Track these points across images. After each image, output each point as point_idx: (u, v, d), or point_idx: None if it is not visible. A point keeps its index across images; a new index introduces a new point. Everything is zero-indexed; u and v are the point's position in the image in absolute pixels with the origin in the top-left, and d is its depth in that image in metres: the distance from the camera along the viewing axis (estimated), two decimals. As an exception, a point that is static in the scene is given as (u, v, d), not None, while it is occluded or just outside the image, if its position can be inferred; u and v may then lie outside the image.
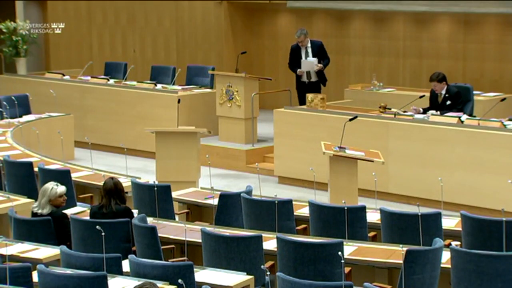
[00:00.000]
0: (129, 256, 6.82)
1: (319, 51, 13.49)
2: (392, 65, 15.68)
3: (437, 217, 8.00)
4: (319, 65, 13.31)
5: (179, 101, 11.90)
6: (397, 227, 8.04)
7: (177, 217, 9.21)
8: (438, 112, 11.53)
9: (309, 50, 13.47)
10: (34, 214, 8.11)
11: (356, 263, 7.33)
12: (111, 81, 15.21)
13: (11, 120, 13.34)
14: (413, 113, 11.59)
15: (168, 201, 9.08)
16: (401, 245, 6.94)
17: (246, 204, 8.69)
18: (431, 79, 11.78)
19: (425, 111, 11.69)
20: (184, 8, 17.51)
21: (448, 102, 11.66)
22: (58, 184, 8.15)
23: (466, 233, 7.89)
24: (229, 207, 8.82)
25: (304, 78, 13.42)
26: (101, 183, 9.38)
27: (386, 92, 13.80)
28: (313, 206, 8.40)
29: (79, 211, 8.98)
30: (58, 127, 13.17)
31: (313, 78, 13.44)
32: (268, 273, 6.64)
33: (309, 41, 13.52)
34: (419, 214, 7.76)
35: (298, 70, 13.43)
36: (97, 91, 14.98)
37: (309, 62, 13.32)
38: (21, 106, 14.03)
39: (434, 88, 11.76)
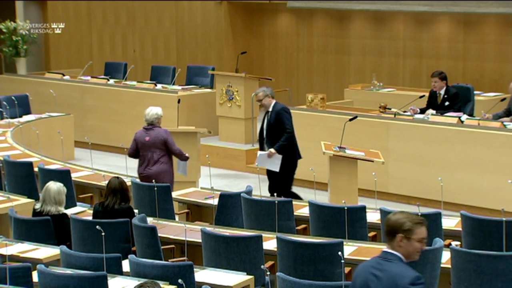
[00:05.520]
0: (129, 256, 6.82)
1: (278, 120, 10.33)
2: (392, 65, 15.68)
3: (437, 217, 8.00)
4: (272, 151, 10.23)
5: (179, 101, 11.90)
6: (397, 227, 8.03)
7: (177, 217, 9.21)
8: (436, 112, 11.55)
9: (270, 117, 10.40)
10: (36, 214, 8.10)
11: (356, 263, 7.32)
12: (111, 81, 15.21)
13: (11, 120, 13.34)
14: (411, 113, 11.59)
15: (168, 201, 9.08)
16: (401, 245, 6.94)
17: (246, 204, 8.69)
18: (432, 75, 11.75)
19: (422, 111, 11.69)
20: (184, 8, 17.51)
21: (447, 103, 11.66)
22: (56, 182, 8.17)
23: (466, 233, 7.89)
24: (229, 207, 8.82)
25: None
26: (101, 183, 9.41)
27: (386, 92, 13.80)
28: (313, 206, 8.40)
29: (79, 211, 8.98)
30: (58, 127, 13.17)
31: (272, 167, 10.33)
32: (268, 273, 6.65)
33: (274, 104, 10.42)
34: (419, 214, 7.75)
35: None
36: (97, 91, 14.98)
37: (262, 156, 10.36)
38: (21, 106, 14.04)
39: (433, 84, 11.72)
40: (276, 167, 10.17)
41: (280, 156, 10.23)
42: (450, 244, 7.77)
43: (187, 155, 10.28)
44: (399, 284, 4.45)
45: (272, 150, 10.23)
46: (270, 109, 10.40)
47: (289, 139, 10.27)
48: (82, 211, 9.00)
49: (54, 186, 8.05)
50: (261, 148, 10.56)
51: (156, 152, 10.06)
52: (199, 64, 16.17)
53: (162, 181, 9.69)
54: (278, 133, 10.29)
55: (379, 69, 15.57)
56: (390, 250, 4.60)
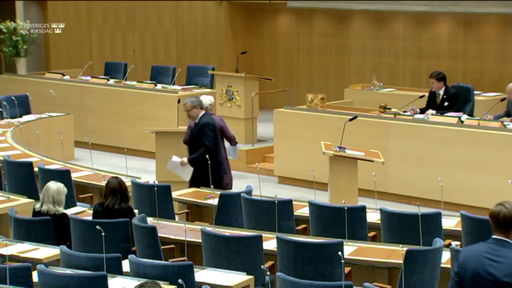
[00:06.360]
0: (129, 256, 6.82)
1: (199, 133, 10.17)
2: (392, 65, 15.68)
3: (437, 217, 8.00)
4: (184, 161, 10.24)
5: (179, 101, 11.90)
6: (397, 227, 8.04)
7: (177, 217, 9.21)
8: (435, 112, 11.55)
9: (194, 129, 10.28)
10: (36, 214, 8.10)
11: (356, 263, 7.33)
12: (111, 81, 15.21)
13: (11, 120, 13.34)
14: (411, 113, 11.59)
15: (168, 201, 9.08)
16: (401, 245, 6.94)
17: (246, 204, 8.70)
18: (430, 75, 11.80)
19: (422, 111, 11.70)
20: (184, 8, 17.51)
21: (446, 103, 11.67)
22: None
23: (466, 233, 7.89)
24: (229, 207, 8.82)
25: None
26: (101, 183, 9.41)
27: (386, 92, 13.80)
28: (313, 206, 8.40)
29: (79, 211, 8.98)
30: (58, 127, 13.17)
31: (182, 175, 10.38)
32: (268, 273, 6.65)
33: (202, 116, 10.17)
34: (419, 214, 7.75)
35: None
36: (97, 91, 14.98)
37: (174, 163, 10.36)
38: (21, 106, 14.04)
39: (431, 85, 11.77)
40: (186, 177, 10.18)
41: (191, 168, 10.20)
42: (450, 244, 7.77)
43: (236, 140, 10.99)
44: None
45: (185, 160, 10.21)
46: (197, 121, 10.19)
47: (205, 154, 9.95)
48: (82, 211, 9.00)
49: (54, 186, 8.05)
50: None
51: None
52: (199, 64, 16.17)
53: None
54: (198, 146, 10.17)
55: (379, 69, 15.57)
56: (503, 238, 4.84)
